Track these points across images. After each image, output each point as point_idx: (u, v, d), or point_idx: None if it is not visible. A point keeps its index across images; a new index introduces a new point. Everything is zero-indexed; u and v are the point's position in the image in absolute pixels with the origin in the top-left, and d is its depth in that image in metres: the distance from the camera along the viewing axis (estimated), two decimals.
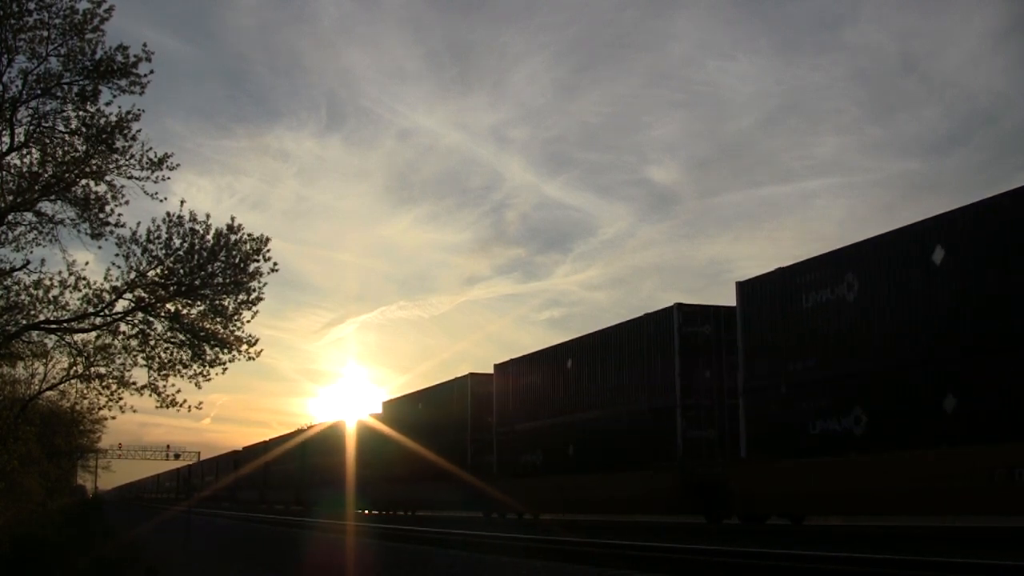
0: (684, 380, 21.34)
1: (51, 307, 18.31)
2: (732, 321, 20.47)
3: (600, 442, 24.38)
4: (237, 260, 18.28)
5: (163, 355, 18.87)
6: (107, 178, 17.86)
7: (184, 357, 18.85)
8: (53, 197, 18.10)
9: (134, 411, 21.14)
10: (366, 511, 41.26)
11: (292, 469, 55.55)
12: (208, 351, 18.87)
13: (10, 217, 18.13)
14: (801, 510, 19.00)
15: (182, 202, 17.90)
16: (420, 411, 37.65)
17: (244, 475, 67.53)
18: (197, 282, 18.25)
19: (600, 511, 24.73)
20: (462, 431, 32.86)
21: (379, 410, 42.73)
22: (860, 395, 16.53)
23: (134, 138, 17.48)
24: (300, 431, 57.91)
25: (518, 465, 28.47)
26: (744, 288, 19.81)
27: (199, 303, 18.67)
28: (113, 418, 28.53)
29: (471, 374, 33.13)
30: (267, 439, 64.73)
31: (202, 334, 18.76)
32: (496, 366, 31.03)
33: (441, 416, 34.87)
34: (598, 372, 25.00)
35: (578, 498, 24.95)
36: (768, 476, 18.40)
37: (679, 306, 21.67)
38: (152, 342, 18.83)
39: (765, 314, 19.05)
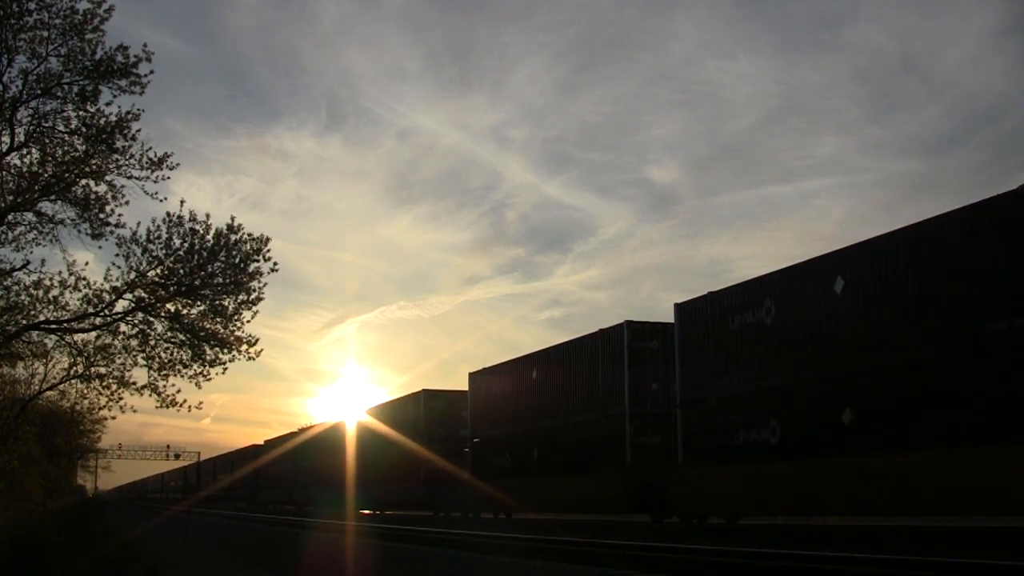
0: None
1: (51, 307, 18.33)
2: None
3: (909, 405, 15.83)
4: (237, 260, 18.29)
5: (163, 355, 18.87)
6: (107, 178, 17.88)
7: (184, 357, 18.85)
8: (53, 197, 18.12)
9: (134, 411, 21.13)
10: (441, 513, 33.64)
11: (334, 464, 45.29)
12: (208, 351, 18.87)
13: (10, 217, 18.14)
14: None
15: (182, 202, 17.93)
16: (535, 381, 28.21)
17: (266, 473, 59.28)
18: (197, 282, 18.26)
19: (925, 510, 16.13)
20: (615, 404, 23.77)
21: (461, 385, 33.84)
22: None
23: (134, 138, 17.50)
24: (307, 427, 53.79)
25: (728, 448, 20.14)
26: None
27: (199, 303, 18.68)
28: (113, 418, 28.43)
29: (627, 322, 23.99)
30: (295, 429, 57.55)
31: (202, 334, 18.77)
32: (678, 306, 22.18)
33: (575, 385, 26.07)
34: (907, 287, 15.92)
35: (879, 488, 16.02)
36: None
37: None
38: (152, 342, 18.83)
39: None
